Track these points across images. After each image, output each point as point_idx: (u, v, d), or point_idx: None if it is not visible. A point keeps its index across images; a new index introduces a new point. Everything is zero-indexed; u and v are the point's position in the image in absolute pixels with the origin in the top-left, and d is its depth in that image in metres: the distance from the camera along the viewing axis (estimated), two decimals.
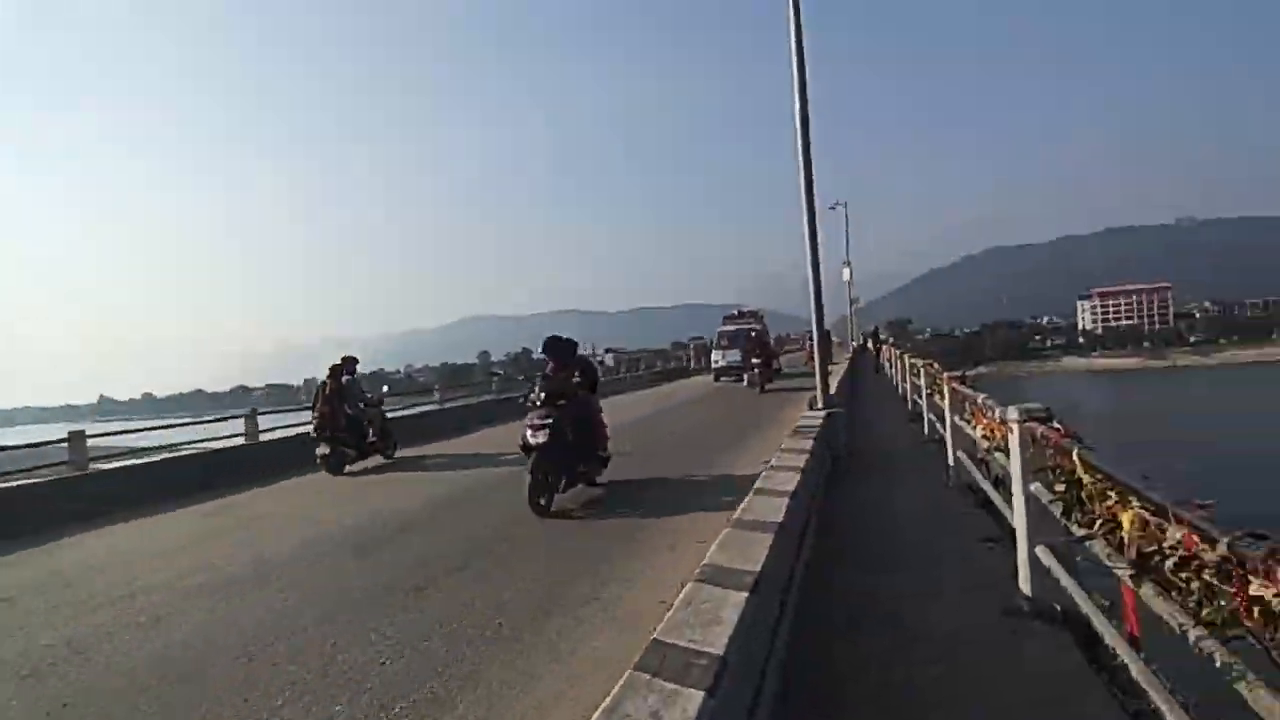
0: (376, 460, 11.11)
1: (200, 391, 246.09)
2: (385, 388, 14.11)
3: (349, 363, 11.25)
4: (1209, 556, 2.07)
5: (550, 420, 6.73)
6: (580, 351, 7.95)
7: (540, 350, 7.65)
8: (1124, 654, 2.74)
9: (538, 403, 6.98)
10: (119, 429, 12.62)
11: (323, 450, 10.22)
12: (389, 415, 12.22)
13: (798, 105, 9.89)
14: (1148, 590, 2.47)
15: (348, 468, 10.37)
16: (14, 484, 8.47)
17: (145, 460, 10.46)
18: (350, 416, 10.59)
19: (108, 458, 10.91)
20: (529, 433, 6.71)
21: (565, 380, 7.37)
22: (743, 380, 21.44)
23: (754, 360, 20.41)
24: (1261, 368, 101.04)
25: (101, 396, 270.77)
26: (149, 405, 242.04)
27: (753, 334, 23.12)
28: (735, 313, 28.98)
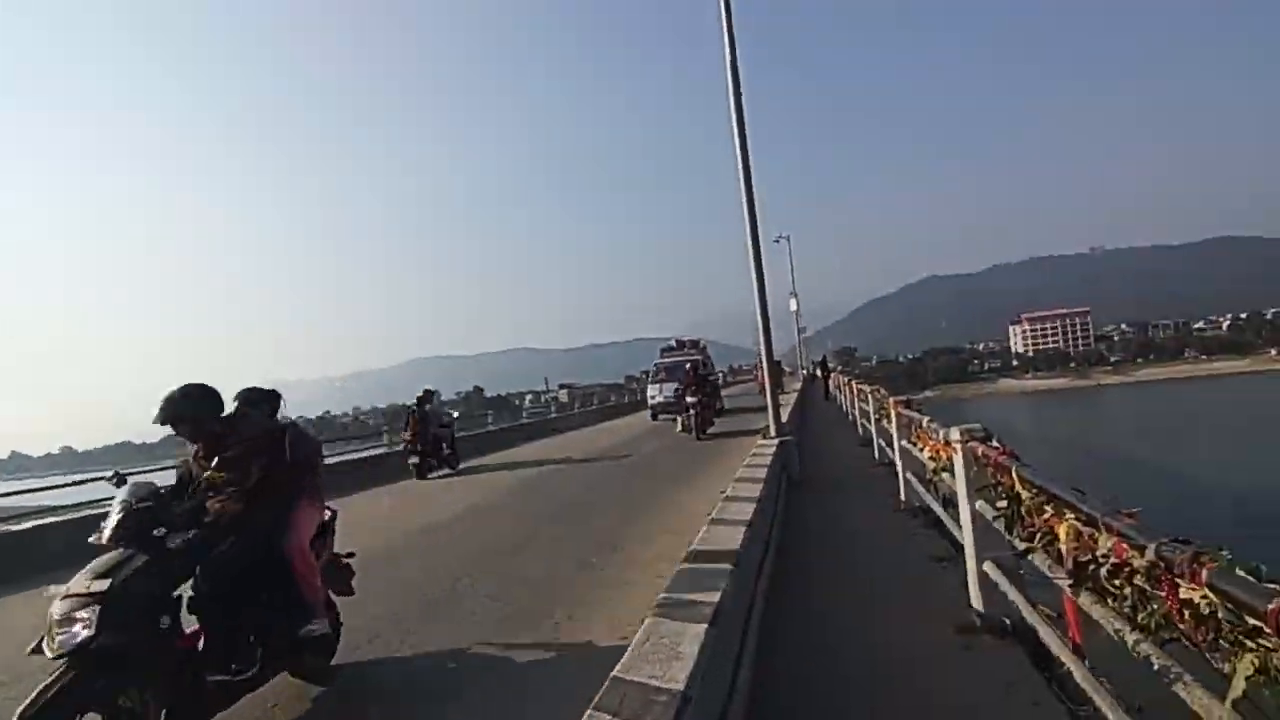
0: (446, 470, 13.93)
1: (127, 443, 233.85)
2: (455, 414, 18.76)
3: (430, 394, 14.55)
4: (1138, 563, 2.16)
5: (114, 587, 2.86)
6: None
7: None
8: (1068, 661, 2.83)
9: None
10: (32, 487, 11.74)
11: (414, 461, 13.45)
12: (456, 435, 15.28)
13: (737, 142, 10.24)
14: (1086, 598, 2.57)
15: (429, 475, 13.49)
16: None
17: (61, 519, 9.61)
18: (434, 435, 13.76)
19: (18, 518, 10.17)
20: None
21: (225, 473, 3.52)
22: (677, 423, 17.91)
23: (690, 399, 16.37)
24: (1175, 384, 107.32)
25: (13, 452, 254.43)
26: (69, 459, 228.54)
27: (691, 367, 19.20)
28: (673, 343, 26.52)
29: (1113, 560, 2.30)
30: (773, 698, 3.31)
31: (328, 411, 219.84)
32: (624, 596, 4.89)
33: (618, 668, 2.39)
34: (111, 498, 3.17)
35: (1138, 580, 2.17)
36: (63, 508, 10.71)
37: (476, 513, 9.09)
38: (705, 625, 2.67)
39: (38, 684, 2.62)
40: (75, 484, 11.78)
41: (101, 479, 11.87)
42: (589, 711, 2.13)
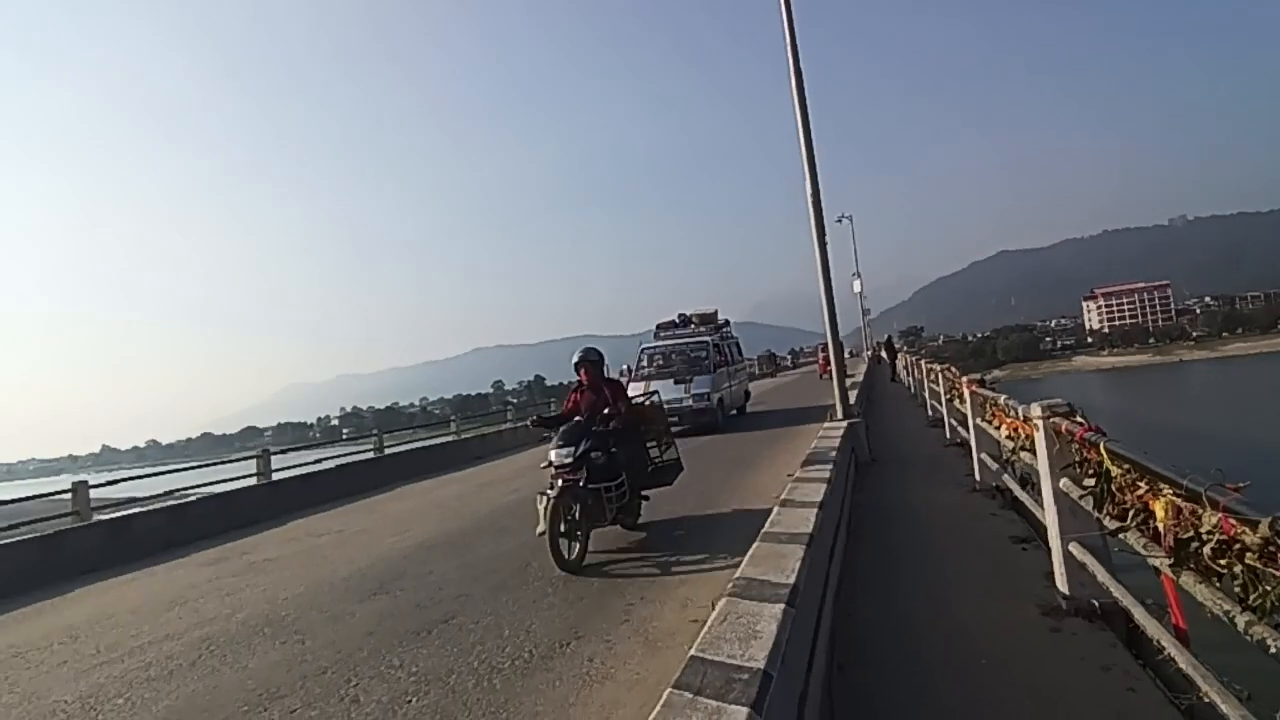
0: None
1: (208, 434, 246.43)
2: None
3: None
4: (1250, 539, 2.03)
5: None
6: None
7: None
8: (1169, 646, 2.69)
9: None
10: (122, 478, 12.43)
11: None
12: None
13: (799, 121, 10.06)
14: (1188, 579, 2.42)
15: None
16: (17, 538, 8.42)
17: (151, 508, 10.36)
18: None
19: (112, 507, 10.86)
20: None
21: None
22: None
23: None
24: (1268, 359, 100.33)
25: (104, 446, 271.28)
26: (155, 452, 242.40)
27: (693, 353, 15.48)
28: (677, 318, 18.37)
29: (1219, 537, 2.16)
30: (853, 676, 3.27)
31: (396, 402, 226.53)
32: (695, 579, 4.89)
33: (695, 647, 2.38)
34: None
35: (1249, 559, 2.04)
36: (158, 495, 11.38)
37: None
38: (782, 605, 2.64)
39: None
40: (214, 464, 12.53)
41: (238, 459, 12.59)
42: (668, 690, 2.13)
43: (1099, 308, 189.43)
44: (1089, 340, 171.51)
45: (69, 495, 9.79)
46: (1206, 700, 2.46)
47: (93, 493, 10.03)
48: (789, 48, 10.08)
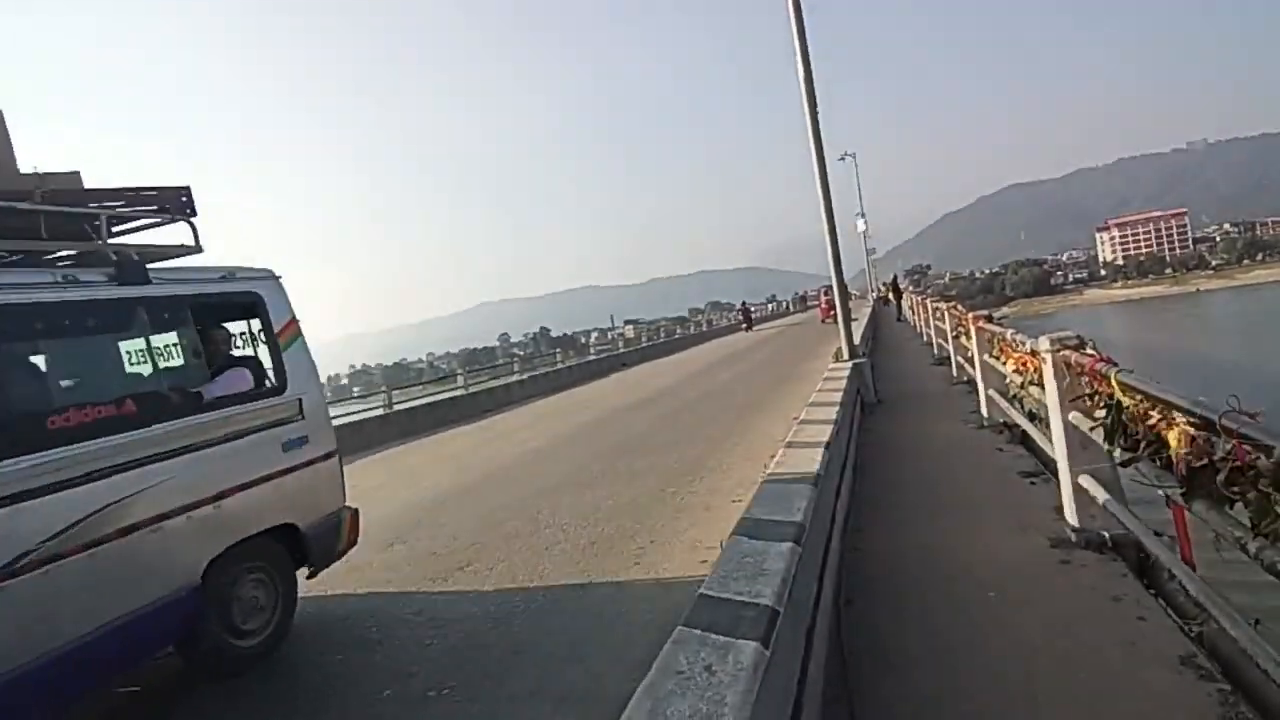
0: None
1: None
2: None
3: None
4: (1264, 464, 2.00)
5: None
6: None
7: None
8: (1181, 575, 2.69)
9: None
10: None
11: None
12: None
13: (799, 57, 9.72)
14: (1200, 507, 2.40)
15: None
16: None
17: None
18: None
19: None
20: None
21: None
22: None
23: None
24: None
25: None
26: None
27: None
28: None
29: (1233, 464, 2.13)
30: (861, 611, 3.31)
31: (404, 358, 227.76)
32: (704, 521, 4.94)
33: (704, 585, 2.40)
34: None
35: (1263, 484, 2.01)
36: None
37: (552, 448, 9.32)
38: (789, 543, 2.65)
39: None
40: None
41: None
42: (679, 627, 2.15)
43: (1113, 239, 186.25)
44: (1102, 273, 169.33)
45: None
46: (1216, 626, 2.47)
47: None
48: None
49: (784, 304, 61.96)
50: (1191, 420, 2.42)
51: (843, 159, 43.96)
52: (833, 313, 26.19)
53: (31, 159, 3.49)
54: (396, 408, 14.65)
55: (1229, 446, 2.17)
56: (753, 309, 45.58)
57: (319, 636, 3.96)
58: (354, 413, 14.03)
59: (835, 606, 3.21)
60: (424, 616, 3.99)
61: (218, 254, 4.04)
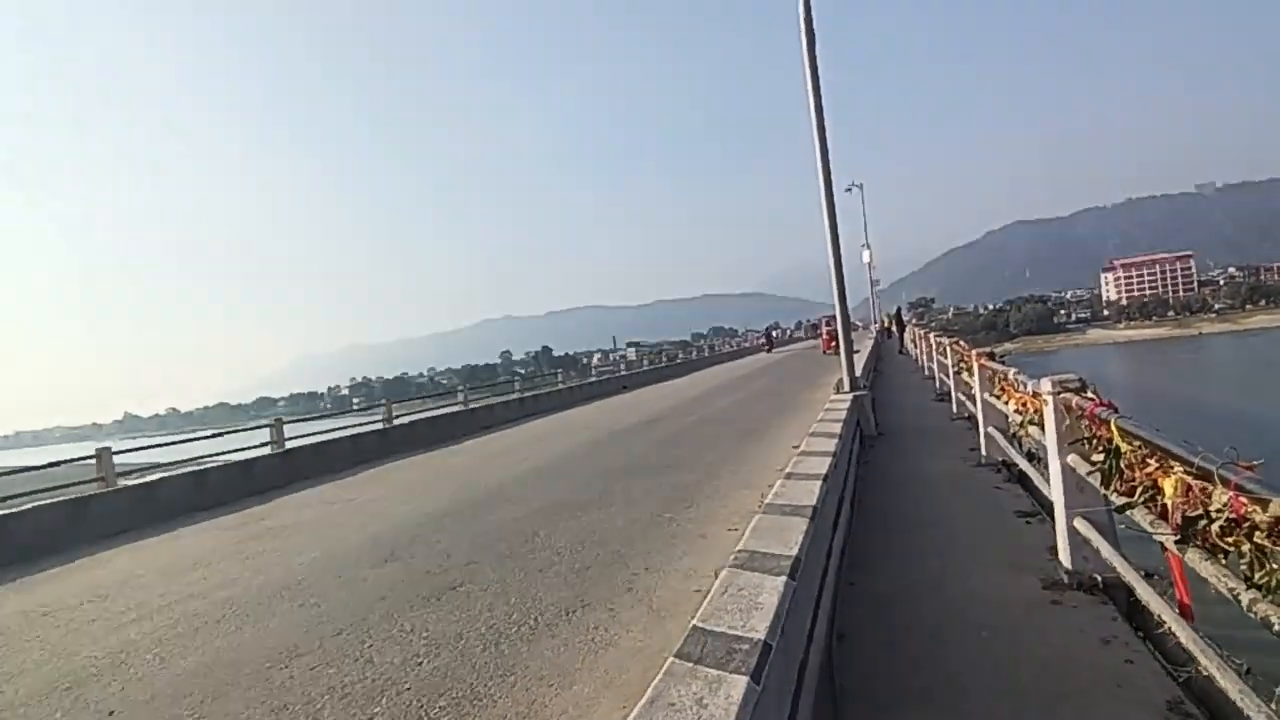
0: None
1: (224, 404, 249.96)
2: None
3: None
4: (1260, 518, 2.02)
5: None
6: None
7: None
8: (1170, 621, 2.70)
9: None
10: (145, 444, 12.60)
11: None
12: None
13: (810, 90, 9.88)
14: (1194, 556, 2.42)
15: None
16: (44, 502, 8.63)
17: (173, 473, 10.59)
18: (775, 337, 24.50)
19: (137, 472, 11.04)
20: None
21: None
22: None
23: None
24: None
25: (126, 414, 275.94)
26: (175, 419, 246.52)
27: None
28: None
29: (1228, 515, 2.15)
30: (854, 646, 3.30)
31: (405, 372, 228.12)
32: (699, 549, 4.92)
33: (697, 617, 2.42)
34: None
35: (1258, 537, 2.03)
36: (179, 462, 11.53)
37: (551, 468, 9.30)
38: (784, 577, 2.66)
39: None
40: (231, 433, 12.66)
41: (253, 428, 12.69)
42: (671, 658, 2.16)
43: (1118, 279, 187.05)
44: (1105, 313, 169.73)
45: (94, 461, 9.94)
46: (1205, 673, 2.47)
47: (117, 458, 10.19)
48: (802, 15, 9.86)
49: (786, 331, 62.20)
50: (1189, 469, 2.44)
51: (849, 190, 44.34)
52: (834, 344, 26.30)
53: None
54: (396, 422, 14.65)
55: (1226, 498, 2.19)
56: (773, 334, 50.67)
57: (311, 651, 3.94)
58: (354, 425, 14.02)
59: (828, 642, 3.20)
60: (416, 634, 3.98)
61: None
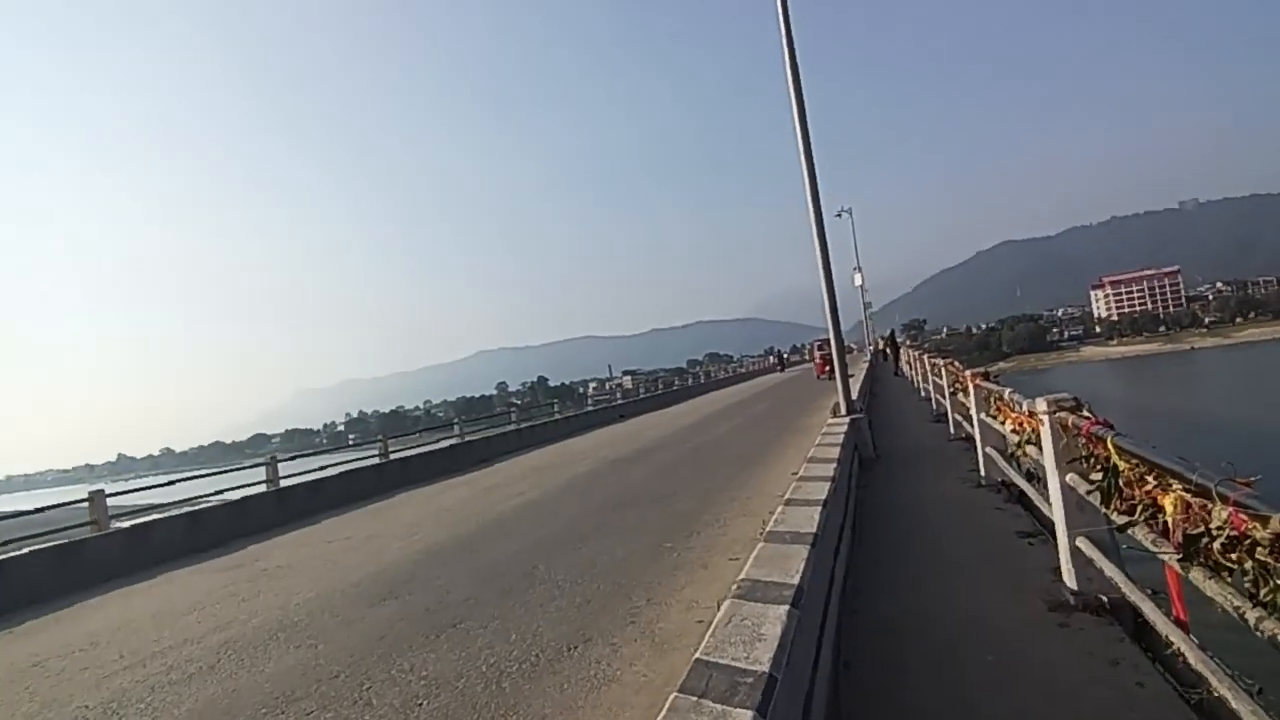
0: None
1: (218, 443, 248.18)
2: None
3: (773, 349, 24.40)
4: (1261, 534, 2.01)
5: None
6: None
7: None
8: (1179, 641, 2.67)
9: None
10: (137, 486, 12.52)
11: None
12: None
13: (796, 115, 10.03)
14: (1198, 574, 2.40)
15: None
16: (36, 548, 8.54)
17: (166, 515, 10.50)
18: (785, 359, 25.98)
19: (129, 515, 10.92)
20: None
21: None
22: None
23: None
24: None
25: (119, 455, 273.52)
26: (169, 459, 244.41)
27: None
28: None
29: (1229, 532, 2.14)
30: (859, 675, 3.25)
31: (401, 406, 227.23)
32: (701, 579, 4.88)
33: (700, 650, 2.39)
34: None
35: (1260, 554, 2.02)
36: (173, 503, 11.41)
37: (549, 500, 9.24)
38: (787, 606, 2.63)
39: None
40: (225, 471, 12.54)
41: (248, 467, 12.54)
42: (675, 693, 2.13)
43: (1107, 296, 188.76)
44: (1097, 329, 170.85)
45: (87, 504, 9.84)
46: (1216, 695, 2.44)
47: (110, 500, 10.08)
48: (785, 42, 10.05)
49: (784, 355, 62.63)
50: (1187, 486, 2.44)
51: (839, 215, 44.88)
52: (828, 368, 26.24)
53: None
54: (393, 457, 14.57)
55: (1226, 515, 2.19)
56: (784, 354, 57.01)
57: (308, 695, 3.88)
58: (350, 461, 13.93)
59: (834, 671, 3.16)
60: (415, 675, 3.91)
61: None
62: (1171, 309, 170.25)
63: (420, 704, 3.53)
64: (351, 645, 4.58)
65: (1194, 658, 2.57)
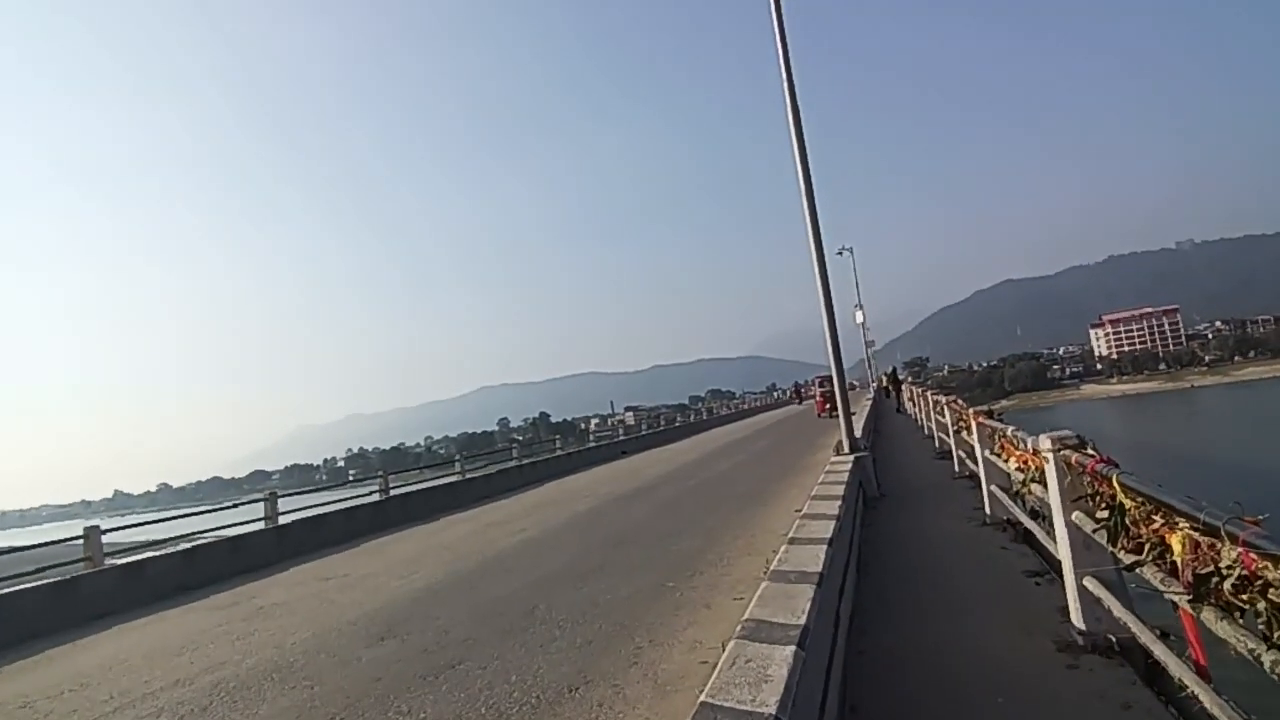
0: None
1: (217, 478, 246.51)
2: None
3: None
4: (1272, 575, 1.99)
5: None
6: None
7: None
8: (1192, 685, 2.62)
9: None
10: (134, 522, 12.40)
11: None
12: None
13: (796, 152, 10.20)
14: (1209, 614, 2.37)
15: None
16: (31, 584, 8.44)
17: (162, 552, 10.38)
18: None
19: (125, 551, 10.80)
20: None
21: None
22: None
23: None
24: None
25: (116, 491, 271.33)
26: (166, 495, 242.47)
27: None
28: None
29: (1240, 572, 2.12)
30: (866, 717, 3.19)
31: (402, 442, 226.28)
32: (704, 619, 4.81)
33: (705, 692, 2.35)
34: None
35: (1273, 595, 2.00)
36: (170, 539, 11.30)
37: (550, 538, 9.16)
38: (793, 647, 2.59)
39: None
40: (225, 508, 12.48)
41: (246, 503, 12.41)
42: None
43: (1107, 334, 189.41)
44: (1098, 367, 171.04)
45: (81, 541, 9.75)
46: None
47: (105, 537, 9.98)
48: (784, 80, 10.27)
49: (785, 391, 62.65)
50: (1195, 525, 2.42)
51: (840, 253, 45.28)
52: (828, 406, 25.91)
53: None
54: (393, 493, 14.47)
55: (1235, 554, 2.16)
56: (801, 386, 56.48)
57: None
58: (349, 498, 13.82)
59: (840, 713, 3.10)
60: (413, 717, 3.84)
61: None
62: (1171, 347, 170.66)
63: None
64: (348, 686, 4.50)
65: (1209, 701, 2.52)
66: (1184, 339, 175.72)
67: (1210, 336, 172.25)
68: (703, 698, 2.32)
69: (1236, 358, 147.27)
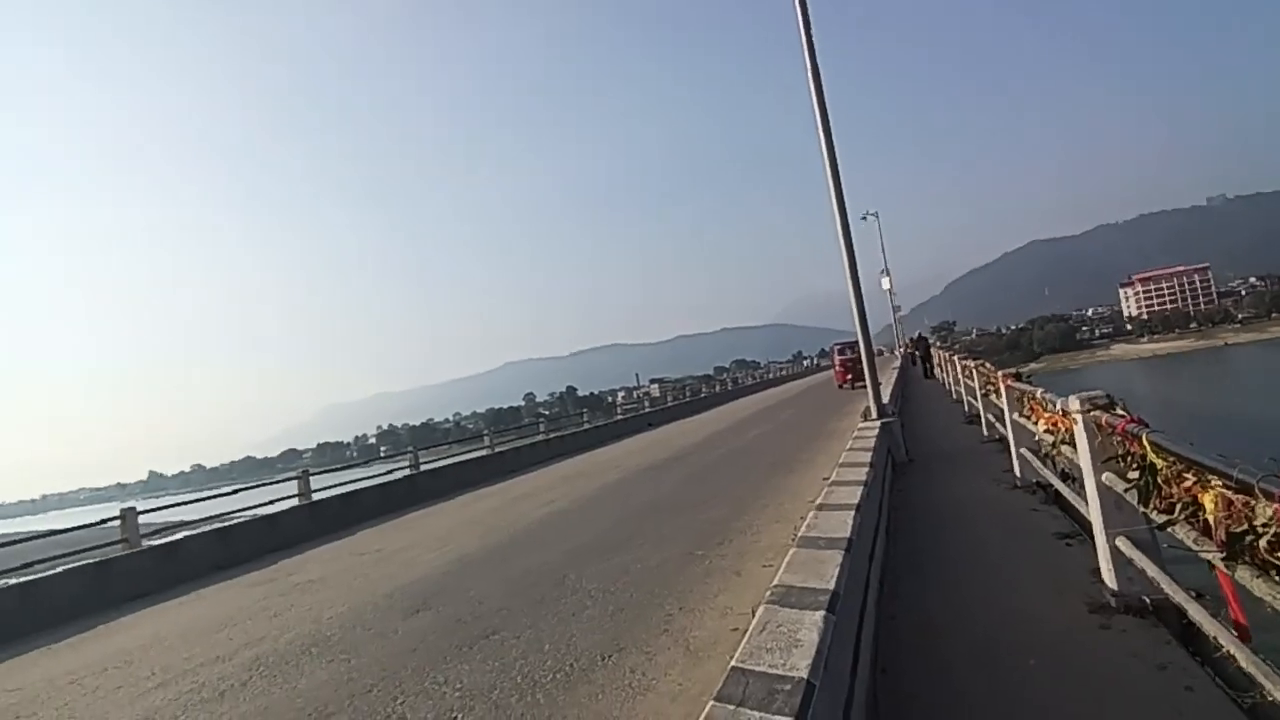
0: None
1: (250, 458, 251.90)
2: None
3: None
4: None
5: None
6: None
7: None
8: (1228, 644, 2.60)
9: None
10: (169, 503, 12.68)
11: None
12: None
13: (819, 116, 10.03)
14: (1244, 573, 2.34)
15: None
16: (69, 566, 8.72)
17: (197, 531, 10.66)
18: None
19: (161, 532, 11.09)
20: None
21: None
22: None
23: None
24: None
25: (151, 473, 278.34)
26: (200, 476, 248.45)
27: None
28: None
29: (1276, 529, 2.09)
30: (897, 680, 3.21)
31: (430, 418, 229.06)
32: (734, 586, 4.85)
33: (736, 657, 2.38)
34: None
35: None
36: (205, 519, 11.59)
37: (579, 509, 9.27)
38: (823, 611, 2.62)
39: None
40: (256, 486, 12.75)
41: (279, 481, 12.67)
42: (711, 701, 2.12)
43: (1137, 294, 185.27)
44: (1128, 327, 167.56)
45: (118, 523, 10.03)
46: (1270, 699, 2.38)
47: (142, 518, 10.26)
48: (805, 46, 10.06)
49: (813, 359, 61.95)
50: (1228, 484, 2.38)
51: (865, 218, 44.57)
52: (849, 376, 25.07)
53: None
54: (423, 468, 14.70)
55: (1270, 511, 2.13)
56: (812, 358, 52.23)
57: (341, 710, 3.91)
58: (380, 474, 14.08)
59: (872, 676, 3.13)
60: (449, 687, 3.93)
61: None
62: (1203, 306, 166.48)
63: (455, 717, 3.54)
64: (384, 658, 4.61)
65: (1245, 660, 2.50)
66: (1215, 297, 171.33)
67: (1244, 293, 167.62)
68: (734, 663, 2.35)
69: (1273, 314, 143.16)
